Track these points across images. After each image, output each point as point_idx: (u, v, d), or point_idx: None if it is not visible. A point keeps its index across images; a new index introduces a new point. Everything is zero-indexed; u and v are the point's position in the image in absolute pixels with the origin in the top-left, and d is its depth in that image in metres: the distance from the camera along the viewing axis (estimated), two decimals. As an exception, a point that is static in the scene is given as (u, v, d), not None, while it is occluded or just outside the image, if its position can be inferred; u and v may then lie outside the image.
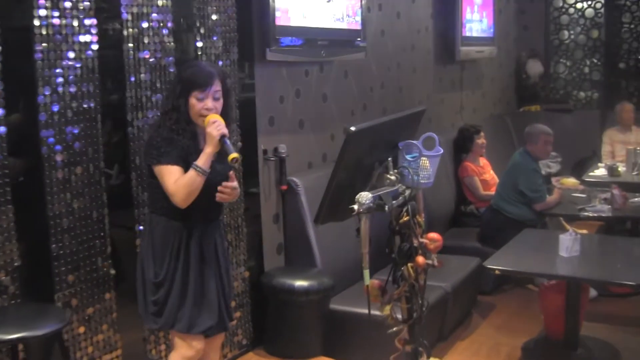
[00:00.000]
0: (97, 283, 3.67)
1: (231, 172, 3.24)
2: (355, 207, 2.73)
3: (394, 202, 2.89)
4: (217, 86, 3.22)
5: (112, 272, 3.74)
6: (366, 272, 2.83)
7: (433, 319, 4.54)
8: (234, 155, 3.08)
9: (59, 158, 3.45)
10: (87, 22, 3.53)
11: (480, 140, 6.73)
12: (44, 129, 3.38)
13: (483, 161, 6.85)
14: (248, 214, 4.66)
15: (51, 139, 3.41)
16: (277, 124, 4.92)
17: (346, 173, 2.84)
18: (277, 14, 4.55)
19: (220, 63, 4.35)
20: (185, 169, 3.12)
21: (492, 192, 6.36)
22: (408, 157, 3.05)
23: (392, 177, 2.97)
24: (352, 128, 2.74)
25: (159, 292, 3.22)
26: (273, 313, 4.69)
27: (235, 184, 3.26)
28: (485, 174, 6.76)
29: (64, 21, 3.42)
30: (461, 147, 6.86)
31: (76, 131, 3.51)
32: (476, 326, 5.32)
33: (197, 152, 3.18)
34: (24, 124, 3.37)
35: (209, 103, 3.19)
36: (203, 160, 3.11)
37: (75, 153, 3.52)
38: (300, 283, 4.53)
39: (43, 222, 3.43)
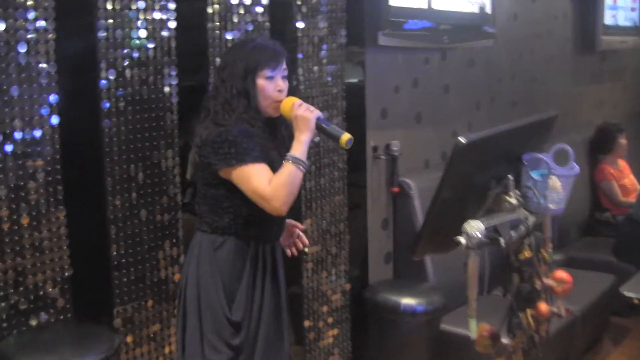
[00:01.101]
0: (165, 297, 3.19)
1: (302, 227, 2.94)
2: (462, 239, 2.12)
3: (512, 232, 2.26)
4: (283, 64, 2.68)
5: (185, 283, 3.26)
6: (472, 322, 2.23)
7: (557, 346, 4.08)
8: (347, 135, 2.57)
9: (122, 153, 2.97)
10: (163, -4, 3.05)
11: (623, 140, 6.19)
12: (106, 118, 2.91)
13: (622, 164, 6.27)
14: (352, 219, 4.11)
15: (114, 130, 2.93)
16: (390, 118, 4.34)
17: (453, 193, 2.23)
18: (393, -8, 3.95)
19: (325, 47, 3.79)
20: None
21: (632, 199, 5.83)
22: (534, 174, 2.41)
23: (513, 200, 2.35)
24: (462, 139, 2.12)
25: (240, 334, 2.65)
26: (375, 332, 4.15)
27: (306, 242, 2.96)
28: (624, 179, 6.17)
29: (133, -7, 2.94)
30: (600, 147, 6.30)
31: (146, 122, 3.03)
32: (607, 353, 4.85)
33: (275, 148, 2.66)
34: (82, 112, 2.91)
35: (281, 83, 2.66)
36: (300, 150, 2.54)
37: (144, 147, 3.03)
38: (407, 301, 3.98)
39: (102, 226, 2.97)
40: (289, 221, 2.90)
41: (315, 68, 3.76)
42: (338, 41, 3.87)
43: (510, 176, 2.36)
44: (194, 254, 2.69)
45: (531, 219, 2.36)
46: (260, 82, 2.62)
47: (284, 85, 2.67)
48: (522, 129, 2.47)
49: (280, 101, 2.64)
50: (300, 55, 3.67)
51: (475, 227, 2.11)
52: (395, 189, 4.35)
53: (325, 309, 3.96)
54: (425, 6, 4.28)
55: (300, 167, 2.52)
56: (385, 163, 4.33)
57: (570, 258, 5.23)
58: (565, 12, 6.41)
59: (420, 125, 4.62)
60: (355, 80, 4.13)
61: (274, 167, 2.56)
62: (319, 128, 2.60)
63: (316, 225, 3.85)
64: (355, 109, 4.09)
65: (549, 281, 2.42)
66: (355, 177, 4.13)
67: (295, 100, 2.62)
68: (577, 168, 2.47)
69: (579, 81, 6.80)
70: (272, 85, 2.63)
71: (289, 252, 2.92)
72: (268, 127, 2.70)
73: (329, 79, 3.84)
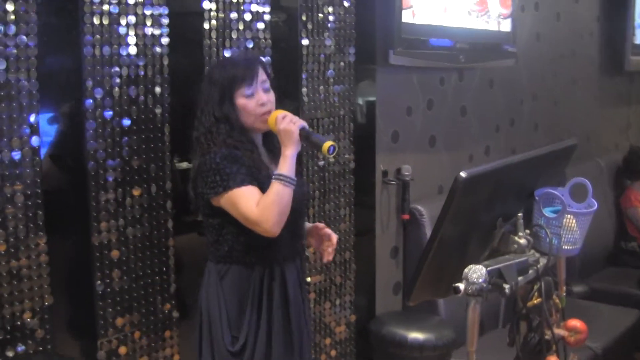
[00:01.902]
0: (154, 328, 3.01)
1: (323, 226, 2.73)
2: (461, 285, 1.92)
3: (520, 277, 2.05)
4: (262, 75, 2.56)
5: (176, 314, 3.08)
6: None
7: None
8: (329, 142, 2.44)
9: (109, 176, 2.79)
10: (156, 11, 2.87)
11: None
12: (91, 140, 2.74)
13: (651, 191, 6.02)
14: (359, 247, 3.91)
15: (101, 152, 2.76)
16: (401, 141, 4.15)
17: (454, 232, 2.03)
18: (405, 9, 3.76)
19: (332, 66, 3.60)
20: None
21: (660, 227, 5.46)
22: (547, 211, 2.20)
23: (522, 241, 2.15)
24: (463, 174, 1.92)
25: None
26: (381, 367, 3.93)
27: (335, 237, 2.74)
28: (652, 206, 5.91)
29: (123, 8, 2.77)
30: (628, 172, 6.03)
31: (135, 143, 2.85)
32: (631, 394, 4.52)
33: (264, 167, 2.54)
34: (66, 133, 2.74)
35: (263, 96, 2.54)
36: (286, 167, 2.45)
37: (133, 170, 2.86)
38: (415, 335, 3.77)
39: (87, 253, 2.79)
40: (314, 226, 2.78)
41: (321, 88, 3.57)
42: (346, 60, 3.69)
43: (520, 214, 2.16)
44: (205, 282, 2.66)
45: (542, 262, 2.15)
46: (240, 101, 2.54)
47: (266, 97, 2.56)
48: (535, 161, 2.25)
49: (266, 114, 2.53)
50: (304, 75, 3.48)
51: (477, 273, 1.91)
52: (406, 216, 4.15)
53: (328, 341, 3.76)
54: (440, 23, 4.08)
55: (287, 184, 2.42)
56: (396, 188, 4.14)
57: (592, 290, 5.01)
58: (591, 31, 6.22)
59: (434, 149, 4.42)
60: (364, 101, 3.93)
61: (266, 186, 2.46)
62: (304, 138, 2.48)
63: (319, 254, 3.65)
64: (365, 131, 3.91)
65: (560, 331, 2.20)
66: (363, 203, 3.94)
67: (279, 113, 2.51)
68: (595, 205, 2.26)
69: (605, 103, 6.59)
70: (252, 102, 2.54)
71: (325, 259, 2.77)
72: (265, 142, 2.65)
73: (336, 99, 3.65)
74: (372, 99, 3.96)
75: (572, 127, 5.96)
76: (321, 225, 2.77)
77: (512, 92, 5.18)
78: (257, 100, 2.54)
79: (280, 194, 2.41)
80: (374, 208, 4.05)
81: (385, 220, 4.11)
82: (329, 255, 2.74)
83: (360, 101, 3.90)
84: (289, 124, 2.47)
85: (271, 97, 2.59)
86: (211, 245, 2.62)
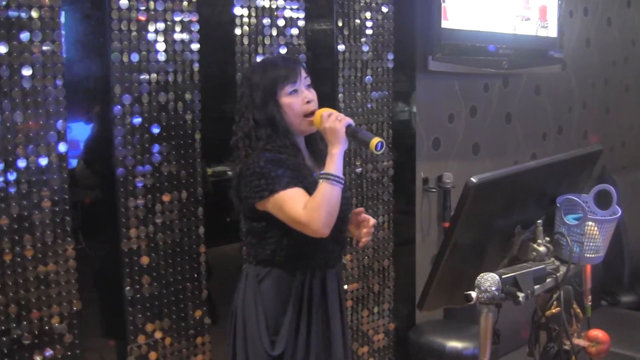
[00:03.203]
0: (185, 334, 3.01)
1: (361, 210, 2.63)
2: (473, 293, 1.86)
3: (537, 286, 1.98)
4: (303, 73, 2.52)
5: (208, 320, 3.07)
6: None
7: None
8: (377, 139, 2.36)
9: (139, 182, 2.81)
10: (186, 17, 2.88)
11: None
12: (120, 146, 2.75)
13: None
14: (398, 255, 3.85)
15: (129, 159, 2.77)
16: (443, 148, 4.08)
17: (468, 238, 1.97)
18: (446, 14, 3.69)
19: (370, 72, 3.56)
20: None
21: None
22: (569, 219, 2.12)
23: (541, 249, 2.07)
24: (473, 179, 1.86)
25: None
26: (420, 376, 3.87)
27: (373, 221, 2.63)
28: None
29: (152, 15, 2.78)
30: None
31: (165, 150, 2.86)
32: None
33: (308, 171, 2.49)
34: (94, 140, 2.77)
35: (307, 94, 2.50)
36: (334, 165, 2.37)
37: (163, 176, 2.87)
38: (453, 344, 3.74)
39: (116, 259, 2.81)
40: (352, 212, 2.69)
41: (359, 94, 3.54)
42: (384, 66, 3.64)
43: (539, 221, 2.08)
44: (241, 285, 2.61)
45: (562, 270, 2.07)
46: (285, 100, 2.48)
47: (311, 95, 2.51)
48: (556, 166, 2.17)
49: (311, 113, 2.48)
50: (340, 81, 3.45)
51: (490, 281, 1.84)
52: (447, 224, 4.06)
53: (365, 349, 3.72)
54: (481, 28, 4.00)
55: (335, 183, 2.35)
56: (437, 196, 4.07)
57: (643, 300, 4.85)
58: (645, 37, 6.02)
59: (477, 157, 4.34)
60: (404, 107, 3.88)
61: (312, 191, 2.40)
62: (351, 135, 2.41)
63: (357, 262, 3.62)
64: (404, 138, 3.87)
65: (581, 341, 2.12)
66: (403, 211, 3.89)
67: (324, 111, 2.44)
68: (619, 212, 2.17)
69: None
70: (298, 100, 2.49)
71: (361, 242, 2.68)
72: (307, 145, 2.60)
73: (374, 106, 3.61)
74: (412, 105, 3.91)
75: (624, 136, 5.79)
76: (359, 209, 2.69)
77: (560, 99, 5.06)
78: (302, 97, 2.49)
79: (328, 194, 2.34)
80: (414, 215, 3.98)
81: (425, 228, 4.05)
82: (365, 236, 2.64)
83: (400, 107, 3.85)
84: (334, 121, 2.40)
85: (314, 94, 2.54)
86: (252, 247, 2.57)
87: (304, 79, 2.52)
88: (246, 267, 2.61)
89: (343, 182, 2.38)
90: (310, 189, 2.40)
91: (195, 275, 3.01)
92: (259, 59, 3.09)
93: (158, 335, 2.93)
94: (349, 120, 2.42)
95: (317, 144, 2.61)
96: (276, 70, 2.49)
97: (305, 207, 2.34)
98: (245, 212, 2.54)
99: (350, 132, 2.41)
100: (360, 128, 2.45)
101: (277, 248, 2.50)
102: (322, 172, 2.38)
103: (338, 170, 2.37)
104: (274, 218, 2.43)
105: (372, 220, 2.64)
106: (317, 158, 2.59)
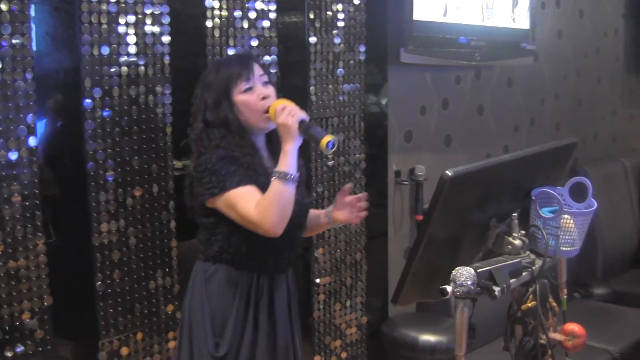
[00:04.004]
0: (157, 329, 2.99)
1: (348, 186, 2.61)
2: (449, 287, 1.86)
3: (513, 280, 1.99)
4: (258, 69, 2.47)
5: (179, 315, 3.04)
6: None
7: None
8: (328, 137, 2.32)
9: (109, 176, 2.78)
10: (156, 10, 2.84)
11: None
12: (90, 140, 2.72)
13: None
14: (371, 248, 3.85)
15: (100, 153, 2.74)
16: (415, 140, 4.09)
17: (444, 231, 1.98)
18: (417, 5, 3.69)
19: (342, 64, 3.55)
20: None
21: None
22: (544, 212, 2.13)
23: (517, 242, 2.08)
24: (448, 172, 1.87)
25: None
26: (393, 370, 3.89)
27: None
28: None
29: (122, 7, 2.75)
30: None
31: (136, 143, 2.84)
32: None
33: (265, 171, 2.44)
34: (64, 133, 2.74)
35: (263, 90, 2.45)
36: (285, 163, 2.33)
37: (134, 170, 2.84)
38: (426, 337, 3.73)
39: (87, 254, 2.78)
40: (339, 195, 2.65)
41: (331, 87, 3.53)
42: (356, 58, 3.64)
43: (514, 214, 2.09)
44: (190, 283, 2.59)
45: (538, 263, 2.08)
46: (240, 98, 2.44)
47: (267, 91, 2.47)
48: (531, 159, 2.18)
49: (267, 110, 2.43)
50: (312, 73, 3.44)
51: (465, 275, 1.85)
52: (420, 217, 4.07)
53: (338, 343, 3.72)
54: (453, 20, 4.01)
55: (286, 181, 2.31)
56: (409, 189, 4.07)
57: (614, 292, 4.91)
58: (616, 28, 6.09)
59: (449, 149, 4.36)
60: (375, 100, 3.88)
61: (261, 186, 2.38)
62: (304, 131, 2.36)
63: (329, 255, 3.61)
64: (376, 131, 3.86)
65: (557, 335, 2.13)
66: (375, 204, 3.88)
67: (278, 105, 2.39)
68: (595, 205, 2.19)
69: (632, 103, 6.45)
70: (253, 97, 2.45)
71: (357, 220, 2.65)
72: (269, 145, 2.57)
73: (346, 98, 3.60)
74: (383, 97, 3.91)
75: (596, 127, 5.85)
76: (347, 186, 2.66)
77: (533, 91, 5.08)
78: (257, 94, 2.45)
79: (279, 192, 2.31)
80: (387, 208, 3.99)
81: (398, 221, 4.06)
82: (357, 214, 2.62)
83: (372, 100, 3.84)
84: (287, 116, 2.34)
85: (271, 91, 2.49)
86: (202, 244, 2.56)
87: (259, 76, 2.47)
88: (196, 264, 2.59)
89: (296, 179, 2.34)
90: (264, 188, 2.37)
91: (167, 269, 2.99)
92: (230, 52, 3.07)
93: (130, 330, 2.90)
94: (302, 116, 2.37)
95: (279, 142, 2.52)
96: (229, 68, 2.46)
97: (257, 205, 2.32)
98: (197, 208, 2.51)
99: (303, 128, 2.36)
100: (314, 124, 2.38)
101: (225, 244, 2.48)
102: (274, 170, 2.35)
103: (291, 167, 2.33)
104: (223, 214, 2.42)
105: (362, 194, 2.63)
106: (278, 157, 2.50)
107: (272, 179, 2.33)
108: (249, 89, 2.45)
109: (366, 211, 2.64)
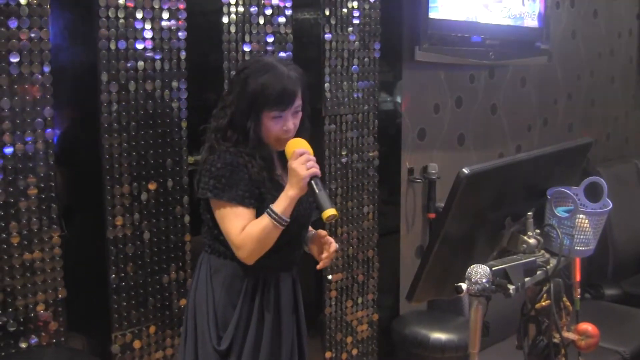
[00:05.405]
0: (170, 323, 3.00)
1: (325, 234, 2.56)
2: (464, 285, 1.87)
3: (528, 279, 1.99)
4: (298, 100, 2.43)
5: (191, 308, 3.06)
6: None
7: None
8: (330, 212, 2.29)
9: (125, 170, 2.79)
10: (173, 5, 2.86)
11: None
12: (106, 133, 2.73)
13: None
14: (383, 245, 3.86)
15: (116, 147, 2.76)
16: (428, 139, 4.09)
17: (459, 229, 1.98)
18: (432, 4, 3.69)
19: (357, 61, 3.56)
20: (257, 204, 2.40)
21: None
22: (559, 211, 2.14)
23: (531, 241, 2.08)
24: (465, 170, 1.87)
25: None
26: (403, 366, 3.90)
27: (335, 246, 2.54)
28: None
29: (139, 1, 2.76)
30: None
31: (151, 138, 2.85)
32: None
33: (272, 181, 2.45)
34: (80, 127, 2.75)
35: (290, 124, 2.43)
36: (283, 206, 2.34)
37: (149, 165, 2.85)
38: (437, 335, 3.74)
39: (101, 247, 2.79)
40: (317, 232, 2.62)
41: (345, 84, 3.53)
42: (371, 55, 3.64)
43: (529, 214, 2.09)
44: (195, 275, 2.62)
45: (552, 263, 2.08)
46: (267, 120, 2.42)
47: (292, 124, 2.45)
48: (547, 159, 2.18)
49: (284, 140, 2.44)
50: (327, 70, 3.44)
51: (480, 273, 1.85)
52: (432, 215, 4.08)
53: (349, 339, 3.73)
54: (469, 19, 4.01)
55: (278, 224, 2.34)
56: (422, 187, 4.08)
57: (626, 294, 4.88)
58: (630, 29, 6.06)
59: (462, 148, 4.36)
60: (389, 97, 3.88)
61: (264, 200, 2.41)
62: (310, 189, 2.34)
63: (341, 252, 3.62)
64: (390, 128, 3.87)
65: (570, 334, 2.14)
66: (388, 201, 3.89)
67: (298, 148, 2.37)
68: (610, 205, 2.19)
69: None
70: (278, 125, 2.44)
71: (319, 265, 2.60)
72: (281, 156, 2.54)
73: (360, 95, 3.61)
74: (397, 95, 3.91)
75: (609, 128, 5.83)
76: (323, 232, 2.61)
77: (546, 91, 5.07)
78: (283, 123, 2.43)
79: (267, 230, 2.34)
80: (399, 206, 3.99)
81: (410, 218, 4.06)
82: (326, 260, 2.57)
83: (386, 97, 3.85)
84: (301, 165, 2.32)
85: (297, 121, 2.47)
86: (208, 237, 2.57)
87: (295, 107, 2.45)
88: (202, 256, 2.61)
89: (286, 224, 2.35)
90: (266, 200, 2.40)
91: (180, 263, 3.01)
92: (246, 48, 3.08)
93: (142, 323, 2.92)
94: (315, 171, 2.34)
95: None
96: (272, 89, 2.39)
97: (243, 232, 2.37)
98: (202, 202, 2.54)
99: (312, 187, 2.34)
100: (322, 186, 2.35)
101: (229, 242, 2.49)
102: (272, 205, 2.35)
103: (286, 212, 2.34)
104: None
105: (334, 246, 2.58)
106: (284, 169, 2.53)
107: (266, 214, 2.35)
108: (278, 117, 2.42)
109: (330, 261, 2.62)
